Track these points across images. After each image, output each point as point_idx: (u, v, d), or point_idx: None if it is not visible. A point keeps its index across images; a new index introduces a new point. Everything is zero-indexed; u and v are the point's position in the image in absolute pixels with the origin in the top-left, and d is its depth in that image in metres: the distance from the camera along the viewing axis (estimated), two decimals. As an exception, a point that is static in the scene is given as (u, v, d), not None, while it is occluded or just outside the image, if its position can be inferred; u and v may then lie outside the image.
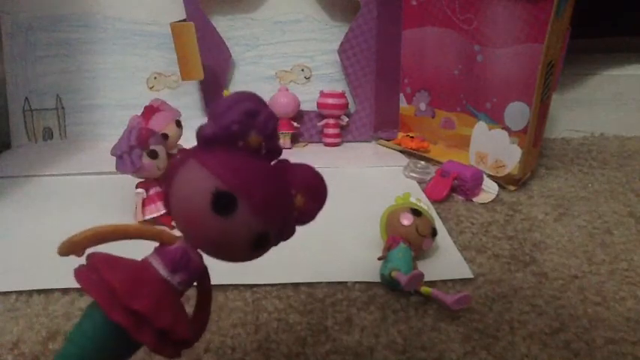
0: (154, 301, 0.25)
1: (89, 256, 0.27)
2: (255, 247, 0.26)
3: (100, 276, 0.26)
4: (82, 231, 0.27)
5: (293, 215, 0.27)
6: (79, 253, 0.27)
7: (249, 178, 0.25)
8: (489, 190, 0.66)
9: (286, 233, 0.27)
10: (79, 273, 0.26)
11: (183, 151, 0.26)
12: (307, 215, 0.28)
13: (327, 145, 0.85)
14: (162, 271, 0.27)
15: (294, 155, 0.80)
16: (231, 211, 0.24)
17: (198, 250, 0.27)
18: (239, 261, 0.27)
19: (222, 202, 0.24)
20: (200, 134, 0.25)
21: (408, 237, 0.47)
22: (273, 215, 0.25)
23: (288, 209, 0.26)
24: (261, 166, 0.26)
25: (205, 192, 0.24)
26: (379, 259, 0.47)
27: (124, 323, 0.25)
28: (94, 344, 0.26)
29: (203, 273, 0.29)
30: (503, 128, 0.67)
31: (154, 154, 0.53)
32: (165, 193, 0.27)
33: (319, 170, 0.28)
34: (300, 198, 0.27)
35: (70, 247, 0.27)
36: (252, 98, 0.26)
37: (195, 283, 0.29)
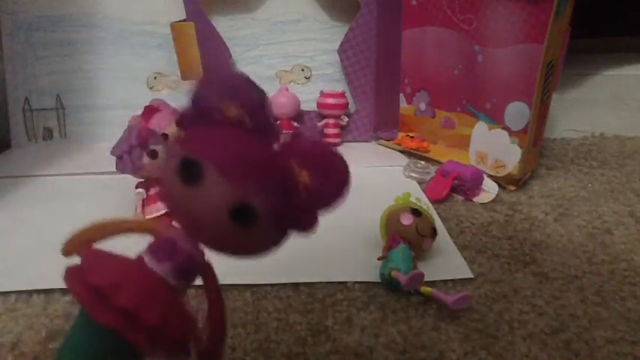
0: (140, 296, 0.24)
1: (82, 255, 0.26)
2: (235, 218, 0.23)
3: (84, 275, 0.24)
4: (78, 230, 0.27)
5: (295, 191, 0.24)
6: (79, 255, 0.27)
7: (218, 144, 0.24)
8: (489, 190, 0.66)
9: (293, 215, 0.25)
10: (67, 273, 0.25)
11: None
12: (320, 196, 0.25)
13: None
14: (150, 263, 0.26)
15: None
16: (196, 178, 0.23)
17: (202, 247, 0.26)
18: (230, 246, 0.25)
19: (187, 170, 0.23)
20: (178, 119, 0.25)
21: (408, 237, 0.47)
22: (252, 184, 0.23)
23: (283, 182, 0.24)
24: (240, 136, 0.24)
25: (174, 165, 0.24)
26: (379, 259, 0.47)
27: (111, 322, 0.23)
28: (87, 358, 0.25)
29: (202, 267, 0.27)
30: (503, 128, 0.67)
31: (154, 154, 0.53)
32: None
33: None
34: (304, 174, 0.24)
35: (70, 247, 0.27)
36: (232, 75, 0.25)
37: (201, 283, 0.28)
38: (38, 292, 0.44)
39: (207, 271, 0.28)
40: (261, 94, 0.25)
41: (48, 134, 0.82)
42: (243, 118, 0.24)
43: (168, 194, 0.25)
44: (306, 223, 0.25)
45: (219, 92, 0.24)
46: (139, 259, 0.26)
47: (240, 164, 0.23)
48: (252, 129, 0.24)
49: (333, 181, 0.26)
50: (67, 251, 0.27)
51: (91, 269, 0.25)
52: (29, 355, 0.37)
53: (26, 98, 0.80)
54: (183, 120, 0.25)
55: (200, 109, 0.24)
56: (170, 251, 0.26)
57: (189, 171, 0.23)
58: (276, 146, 0.25)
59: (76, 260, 0.26)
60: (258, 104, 0.25)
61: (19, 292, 0.43)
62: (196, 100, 0.25)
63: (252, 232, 0.24)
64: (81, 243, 0.27)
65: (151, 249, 0.26)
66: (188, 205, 0.24)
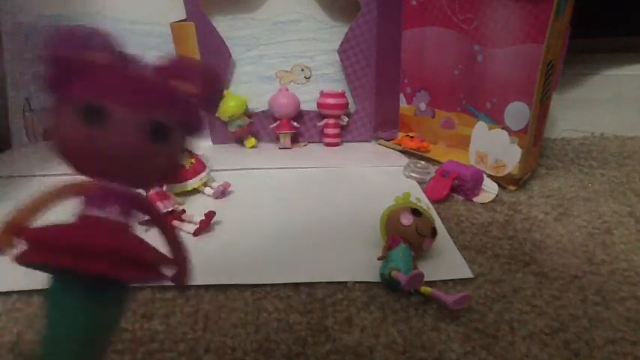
0: (85, 232, 0.26)
1: (24, 238, 0.27)
2: (155, 137, 0.26)
3: (32, 241, 0.26)
4: (3, 223, 0.27)
5: (187, 101, 0.28)
6: (12, 245, 0.27)
7: (107, 82, 0.26)
8: (489, 190, 0.66)
9: (190, 121, 0.28)
10: (18, 257, 0.26)
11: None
12: (204, 98, 0.29)
13: (327, 145, 0.85)
14: (94, 213, 0.27)
15: (294, 155, 0.80)
16: (102, 115, 0.25)
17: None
18: (154, 165, 0.27)
19: (90, 112, 0.25)
20: (45, 83, 0.27)
21: (408, 237, 0.47)
22: (150, 103, 0.26)
23: (172, 96, 0.27)
24: (119, 72, 0.27)
25: (74, 116, 0.25)
26: (379, 259, 0.47)
27: (66, 262, 0.25)
28: (70, 316, 0.26)
29: (139, 201, 0.29)
30: (503, 128, 0.67)
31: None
32: (55, 152, 0.27)
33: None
34: (186, 84, 0.28)
35: (3, 239, 0.27)
36: (64, 27, 0.27)
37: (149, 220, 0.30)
38: (38, 292, 0.44)
39: (149, 206, 0.30)
40: (102, 34, 0.27)
41: (48, 134, 0.82)
42: (108, 59, 0.27)
43: (79, 143, 0.26)
44: (199, 125, 0.29)
45: (76, 47, 0.26)
46: (80, 217, 0.27)
47: (136, 92, 0.26)
48: (121, 65, 0.27)
49: (206, 82, 0.29)
50: (2, 244, 0.27)
51: (30, 232, 0.26)
52: (29, 355, 0.37)
53: (26, 98, 0.80)
54: (50, 82, 0.27)
55: (67, 65, 0.26)
56: (113, 196, 0.27)
57: (93, 113, 0.25)
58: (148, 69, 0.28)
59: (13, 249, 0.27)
60: (107, 43, 0.27)
61: (19, 292, 0.43)
62: (50, 59, 0.26)
63: (168, 146, 0.27)
64: (13, 231, 0.28)
65: (90, 203, 0.27)
66: (104, 142, 0.25)
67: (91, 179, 0.28)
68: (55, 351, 0.26)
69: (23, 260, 0.26)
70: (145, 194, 0.42)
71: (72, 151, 0.27)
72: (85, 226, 0.27)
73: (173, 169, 0.29)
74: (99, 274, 0.25)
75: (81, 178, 0.28)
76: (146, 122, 0.26)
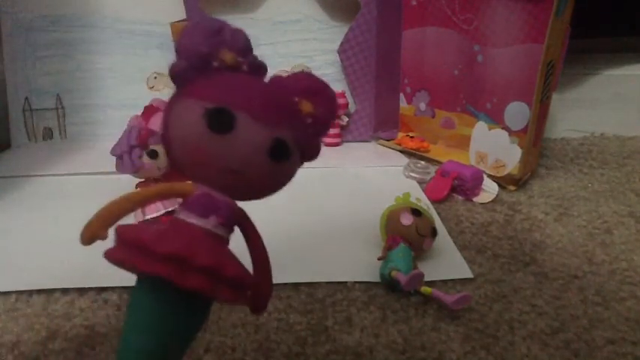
0: (187, 242, 0.24)
1: (116, 233, 0.26)
2: (275, 155, 0.25)
3: (126, 241, 0.25)
4: (96, 213, 0.26)
5: (305, 122, 0.26)
6: (103, 236, 0.26)
7: (237, 89, 0.24)
8: (489, 190, 0.66)
9: (306, 143, 0.26)
10: (108, 252, 0.25)
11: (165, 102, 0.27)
12: (322, 121, 0.27)
13: (327, 145, 0.85)
14: (193, 220, 0.25)
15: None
16: (230, 125, 0.24)
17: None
18: (269, 184, 0.26)
19: (218, 119, 0.24)
20: (172, 74, 0.25)
21: (408, 237, 0.47)
22: (278, 119, 0.25)
23: (295, 114, 0.26)
24: (247, 79, 0.25)
25: (197, 118, 0.24)
26: (379, 259, 0.47)
27: (163, 272, 0.23)
28: (152, 320, 0.25)
29: (239, 214, 0.28)
30: (503, 128, 0.67)
31: (153, 154, 0.53)
32: (165, 147, 0.26)
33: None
34: (306, 103, 0.26)
35: (90, 233, 0.26)
36: (210, 20, 0.26)
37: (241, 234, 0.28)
38: (38, 292, 0.43)
39: (245, 218, 0.29)
40: (246, 36, 0.26)
41: (48, 134, 0.82)
42: (239, 62, 0.25)
43: (197, 147, 0.24)
44: (316, 149, 0.27)
45: (206, 39, 0.24)
46: (175, 219, 0.26)
47: (266, 105, 0.24)
48: (249, 71, 0.25)
49: (330, 104, 0.27)
50: (87, 237, 0.26)
51: (127, 234, 0.25)
52: (29, 355, 0.37)
53: (26, 98, 0.80)
54: (178, 74, 0.25)
55: (194, 60, 0.24)
56: (211, 205, 0.26)
57: (220, 120, 0.24)
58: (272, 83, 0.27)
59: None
60: (246, 46, 0.25)
61: (19, 292, 0.43)
62: (186, 51, 0.25)
63: (287, 166, 0.26)
64: (103, 225, 0.26)
65: (190, 207, 0.26)
66: (225, 152, 0.24)
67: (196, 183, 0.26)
68: (128, 354, 0.25)
69: (114, 258, 0.25)
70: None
71: (188, 153, 0.25)
72: (184, 234, 0.25)
73: (279, 189, 0.28)
74: (194, 290, 0.24)
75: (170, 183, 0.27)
76: (273, 139, 0.24)
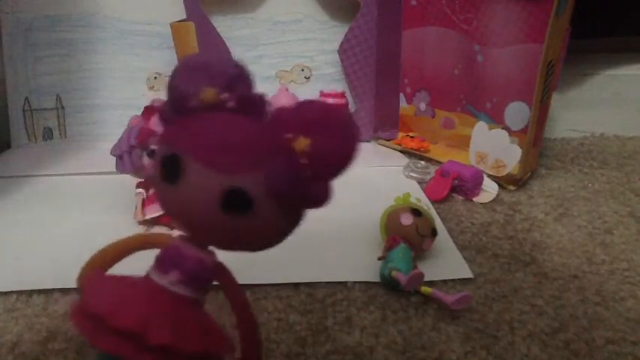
0: (143, 316, 0.22)
1: (83, 284, 0.25)
2: (227, 207, 0.21)
3: (83, 305, 0.23)
4: (86, 262, 0.26)
5: (293, 162, 0.22)
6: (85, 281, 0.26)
7: (197, 132, 0.22)
8: (489, 190, 0.66)
9: (300, 188, 0.22)
10: (71, 313, 0.24)
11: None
12: (325, 159, 0.22)
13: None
14: (156, 277, 0.24)
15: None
16: (176, 173, 0.21)
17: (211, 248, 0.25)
18: (237, 238, 0.23)
19: (166, 166, 0.22)
20: (159, 115, 0.23)
21: (408, 237, 0.47)
22: (238, 165, 0.21)
23: (275, 157, 0.21)
24: (220, 119, 0.22)
25: (157, 165, 0.22)
26: (379, 259, 0.47)
27: (113, 349, 0.21)
28: None
29: (214, 271, 0.25)
30: (503, 128, 0.67)
31: (153, 154, 0.53)
32: None
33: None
34: (303, 140, 0.21)
35: (80, 281, 0.26)
36: (198, 56, 0.24)
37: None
38: (38, 292, 0.43)
39: (221, 274, 0.26)
40: (237, 68, 0.23)
41: (48, 134, 0.82)
42: (224, 99, 0.22)
43: (158, 195, 0.23)
44: (316, 194, 0.23)
45: (193, 78, 0.22)
46: (145, 276, 0.25)
47: (220, 148, 0.21)
48: (235, 108, 0.22)
49: (336, 138, 0.22)
50: (80, 285, 0.26)
51: (88, 297, 0.23)
52: (29, 355, 0.37)
53: (26, 98, 0.80)
54: (162, 115, 0.23)
55: (177, 100, 0.23)
56: (175, 260, 0.24)
57: (170, 168, 0.22)
58: (267, 119, 0.23)
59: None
60: (235, 80, 0.22)
61: (19, 292, 0.43)
62: (172, 91, 0.23)
63: (253, 219, 0.22)
64: (94, 273, 0.26)
65: (156, 262, 0.25)
66: (176, 203, 0.22)
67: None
68: None
69: (73, 323, 0.23)
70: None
71: (156, 195, 0.24)
72: (143, 302, 0.23)
73: (268, 243, 0.24)
74: None
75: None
76: (226, 188, 0.21)
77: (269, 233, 0.24)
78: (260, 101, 0.23)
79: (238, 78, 0.23)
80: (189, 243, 0.24)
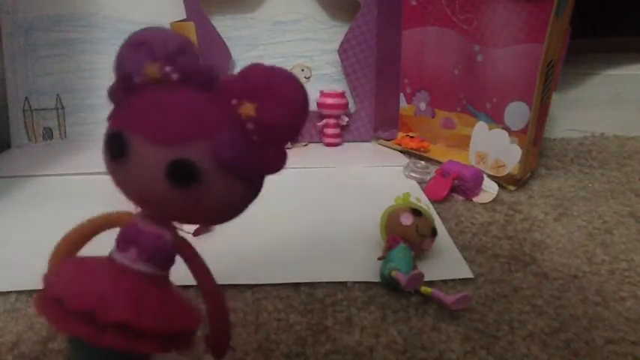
0: (99, 294, 0.22)
1: (50, 271, 0.25)
2: (173, 179, 0.21)
3: (46, 291, 0.23)
4: (54, 248, 0.26)
5: (239, 130, 0.21)
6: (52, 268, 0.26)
7: (140, 108, 0.22)
8: (489, 190, 0.66)
9: (251, 155, 0.22)
10: (35, 301, 0.24)
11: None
12: (273, 123, 0.22)
13: (327, 145, 0.85)
14: (116, 255, 0.24)
15: (294, 155, 0.80)
16: (121, 151, 0.21)
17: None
18: (190, 210, 0.22)
19: (111, 145, 0.22)
20: (108, 95, 0.24)
21: (408, 237, 0.47)
22: (181, 136, 0.21)
23: (218, 126, 0.21)
24: (163, 93, 0.22)
25: (104, 145, 0.22)
26: (379, 259, 0.47)
27: (74, 330, 0.21)
28: None
29: (176, 246, 0.25)
30: (503, 128, 0.67)
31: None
32: None
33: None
34: (247, 106, 0.21)
35: (50, 265, 0.27)
36: (137, 32, 0.23)
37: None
38: (38, 292, 0.43)
39: (184, 249, 0.25)
40: (179, 40, 0.22)
41: (48, 134, 0.82)
42: (167, 72, 0.22)
43: (109, 174, 0.23)
44: (268, 160, 0.22)
45: (136, 55, 0.22)
46: (107, 257, 0.25)
47: (161, 121, 0.21)
48: (180, 81, 0.22)
49: (284, 103, 0.22)
50: (50, 267, 0.27)
51: (48, 282, 0.24)
52: (29, 355, 0.37)
53: (26, 98, 0.80)
54: (110, 96, 0.23)
55: (122, 79, 0.23)
56: (133, 237, 0.24)
57: (115, 145, 0.22)
58: (214, 89, 0.23)
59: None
60: (177, 53, 0.22)
61: (19, 292, 0.43)
62: (117, 69, 0.23)
63: (203, 189, 0.21)
64: (60, 258, 0.26)
65: (116, 241, 0.25)
66: (125, 180, 0.22)
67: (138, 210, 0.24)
68: None
69: (37, 310, 0.23)
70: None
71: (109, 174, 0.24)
72: (102, 281, 0.23)
73: (226, 213, 0.24)
74: (110, 348, 0.22)
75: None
76: (171, 161, 0.21)
77: (224, 203, 0.23)
78: (206, 72, 0.22)
79: (181, 51, 0.22)
80: (148, 219, 0.24)
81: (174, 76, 0.22)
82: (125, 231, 0.24)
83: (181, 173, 0.21)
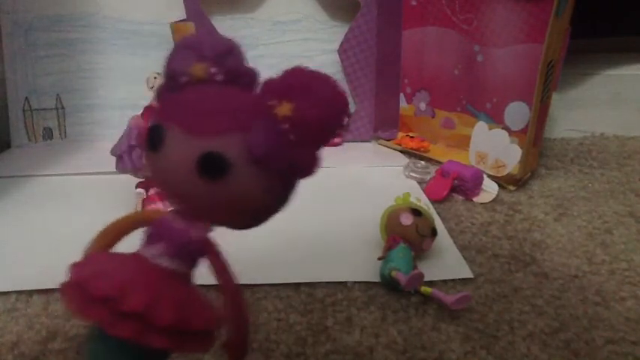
0: (119, 282, 0.22)
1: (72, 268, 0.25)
2: (203, 170, 0.21)
3: (71, 278, 0.24)
4: (89, 243, 0.27)
5: (280, 129, 0.21)
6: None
7: (180, 102, 0.23)
8: (489, 190, 0.66)
9: (284, 155, 0.22)
10: (62, 288, 0.24)
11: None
12: (309, 124, 0.22)
13: (327, 145, 0.85)
14: (143, 250, 0.24)
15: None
16: (158, 141, 0.22)
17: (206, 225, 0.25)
18: (214, 206, 0.22)
19: (150, 136, 0.23)
20: (156, 94, 0.25)
21: (408, 237, 0.47)
22: (216, 129, 0.21)
23: (255, 120, 0.21)
24: (207, 91, 0.23)
25: (145, 137, 0.23)
26: (379, 259, 0.47)
27: (91, 315, 0.22)
28: None
29: (202, 246, 0.25)
30: (503, 128, 0.67)
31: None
32: None
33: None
34: (286, 105, 0.21)
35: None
36: (190, 36, 0.24)
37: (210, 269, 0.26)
38: (38, 292, 0.43)
39: (209, 250, 0.26)
40: (227, 43, 0.23)
41: (48, 134, 0.82)
42: (213, 73, 0.23)
43: (148, 165, 0.24)
44: (301, 162, 0.22)
45: (184, 56, 0.23)
46: (135, 252, 0.25)
47: (199, 113, 0.22)
48: (225, 81, 0.23)
49: (320, 103, 0.22)
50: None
51: (74, 271, 0.24)
52: (29, 355, 0.37)
53: (26, 98, 0.80)
54: (158, 96, 0.24)
55: (170, 78, 0.23)
56: (161, 232, 0.24)
57: (153, 136, 0.23)
58: (255, 90, 0.24)
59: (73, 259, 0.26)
60: (224, 55, 0.23)
61: (19, 292, 0.43)
62: (166, 70, 0.24)
63: (231, 184, 0.21)
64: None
65: (145, 236, 0.25)
66: (159, 170, 0.23)
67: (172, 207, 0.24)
68: None
69: (62, 298, 0.23)
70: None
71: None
72: (125, 271, 0.23)
73: (253, 215, 0.23)
74: (122, 338, 0.22)
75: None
76: (203, 153, 0.21)
77: (252, 204, 0.23)
78: (249, 73, 0.23)
79: (227, 53, 0.23)
80: (178, 216, 0.25)
81: (219, 77, 0.23)
82: (155, 225, 0.25)
83: (211, 165, 0.21)
